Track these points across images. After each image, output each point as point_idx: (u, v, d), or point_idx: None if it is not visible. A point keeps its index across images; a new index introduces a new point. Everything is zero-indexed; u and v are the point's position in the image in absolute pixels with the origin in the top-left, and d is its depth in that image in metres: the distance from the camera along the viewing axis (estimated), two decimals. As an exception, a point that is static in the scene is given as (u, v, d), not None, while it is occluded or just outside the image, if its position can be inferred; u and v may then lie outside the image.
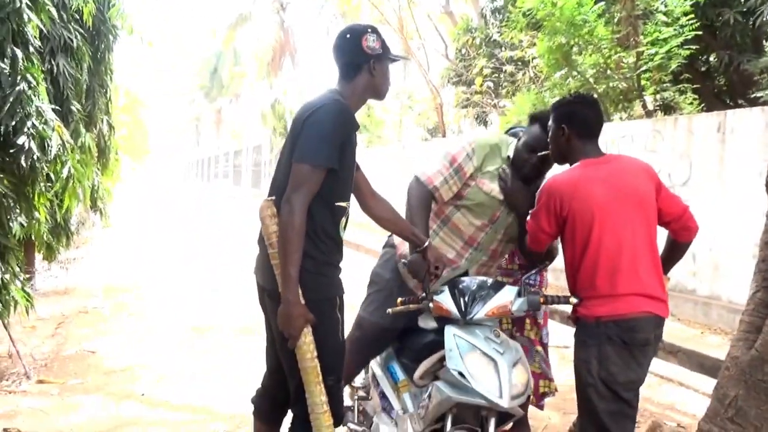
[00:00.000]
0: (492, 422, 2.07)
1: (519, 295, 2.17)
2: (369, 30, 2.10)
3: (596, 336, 2.06)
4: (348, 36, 2.09)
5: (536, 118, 2.54)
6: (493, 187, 2.52)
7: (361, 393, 2.77)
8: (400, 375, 2.51)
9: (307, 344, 1.97)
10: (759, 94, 7.74)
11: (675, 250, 2.31)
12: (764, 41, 9.52)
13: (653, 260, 2.14)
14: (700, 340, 5.42)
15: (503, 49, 10.45)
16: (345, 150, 2.02)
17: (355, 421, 2.71)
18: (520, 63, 9.92)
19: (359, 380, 2.82)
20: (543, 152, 2.43)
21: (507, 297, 2.16)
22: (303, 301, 1.96)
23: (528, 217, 2.30)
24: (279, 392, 2.28)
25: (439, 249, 2.50)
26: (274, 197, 2.06)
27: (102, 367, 4.34)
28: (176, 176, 53.72)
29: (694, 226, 2.25)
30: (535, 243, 2.31)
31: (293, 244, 1.90)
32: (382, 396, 2.59)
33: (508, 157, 2.56)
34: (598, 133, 2.29)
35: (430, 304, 2.22)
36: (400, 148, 13.58)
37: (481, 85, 10.50)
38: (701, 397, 4.14)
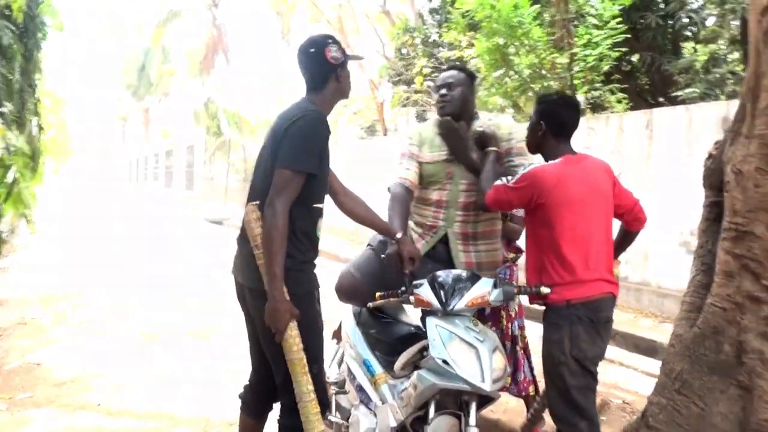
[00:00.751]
0: (473, 406, 2.19)
1: (495, 286, 2.30)
2: (329, 41, 2.26)
3: (567, 317, 2.24)
4: (312, 50, 2.23)
5: (449, 68, 2.90)
6: (433, 154, 2.81)
7: (335, 387, 2.84)
8: (377, 368, 2.60)
9: (293, 337, 2.09)
10: (679, 93, 8.30)
11: (626, 239, 2.58)
12: (682, 43, 10.22)
13: (610, 248, 2.39)
14: (634, 324, 5.80)
15: (442, 49, 10.69)
16: (323, 156, 2.17)
17: (333, 414, 2.78)
18: (459, 63, 10.18)
19: (333, 375, 2.89)
20: (447, 83, 2.76)
21: (484, 288, 2.29)
22: (288, 297, 2.08)
23: (500, 183, 2.43)
24: (264, 387, 2.41)
25: (421, 222, 2.81)
26: (257, 202, 2.16)
27: (51, 379, 4.18)
28: (102, 178, 51.39)
29: (644, 217, 2.51)
30: (496, 205, 2.48)
31: (277, 244, 2.03)
32: (359, 389, 2.67)
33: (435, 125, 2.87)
34: (572, 134, 2.47)
35: (411, 298, 2.33)
36: (341, 147, 13.62)
37: (422, 84, 10.70)
38: (641, 376, 4.46)
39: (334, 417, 2.78)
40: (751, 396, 2.31)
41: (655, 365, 4.68)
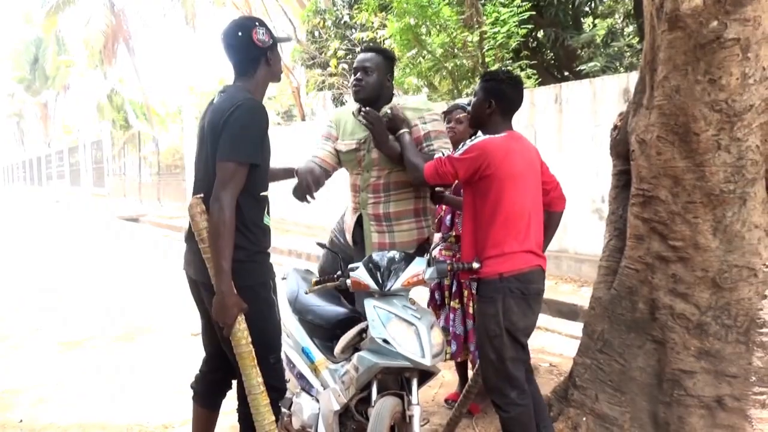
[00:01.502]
0: (414, 383, 2.25)
1: (428, 264, 2.35)
2: (257, 23, 2.18)
3: (500, 290, 2.30)
4: (240, 34, 2.15)
5: (366, 50, 2.89)
6: (345, 142, 2.90)
7: None
8: (316, 354, 2.60)
9: (241, 331, 2.07)
10: (582, 67, 8.68)
11: (552, 220, 2.62)
12: (582, 19, 10.69)
13: (540, 223, 2.47)
14: (556, 289, 6.09)
15: (355, 30, 10.62)
16: (263, 144, 2.14)
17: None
18: (372, 44, 10.17)
19: None
20: (363, 66, 2.75)
21: (418, 267, 2.34)
22: (235, 291, 2.05)
23: (441, 156, 2.43)
24: (216, 376, 2.42)
25: (352, 207, 2.97)
26: (201, 195, 2.13)
27: (-37, 401, 3.88)
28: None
29: (564, 196, 2.63)
30: (435, 178, 2.45)
31: (225, 238, 1.99)
32: (300, 377, 2.66)
33: (353, 112, 2.90)
34: (515, 112, 2.53)
35: (348, 281, 2.35)
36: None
37: (336, 67, 10.61)
38: (565, 339, 4.70)
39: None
40: (664, 349, 2.49)
41: (577, 328, 4.94)
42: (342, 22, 11.05)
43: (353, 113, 2.86)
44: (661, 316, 2.50)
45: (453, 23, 7.99)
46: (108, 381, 4.10)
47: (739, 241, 2.33)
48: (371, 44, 2.72)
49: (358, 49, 10.73)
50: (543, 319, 5.15)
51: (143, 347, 4.83)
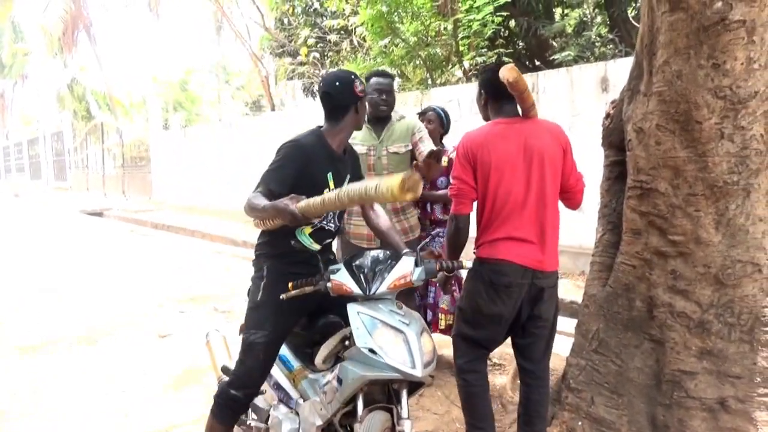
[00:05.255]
0: (404, 395, 2.06)
1: (416, 264, 2.17)
2: (353, 77, 2.33)
3: (476, 272, 2.38)
4: (338, 84, 2.30)
5: (372, 74, 3.49)
6: (358, 147, 3.19)
7: None
8: (294, 363, 2.40)
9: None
10: (555, 57, 8.61)
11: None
12: (554, 8, 10.62)
13: (545, 214, 2.32)
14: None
15: (325, 18, 10.35)
16: (302, 177, 2.23)
17: (250, 417, 2.56)
18: (343, 32, 9.92)
19: (232, 364, 2.67)
20: (386, 89, 3.38)
21: (406, 268, 2.15)
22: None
23: (451, 183, 2.44)
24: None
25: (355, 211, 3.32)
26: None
27: None
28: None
29: (579, 199, 2.49)
30: (461, 203, 2.40)
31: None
32: (277, 387, 2.46)
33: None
34: (511, 97, 2.38)
35: (328, 284, 2.13)
36: (227, 126, 12.97)
37: (307, 56, 10.33)
38: (548, 334, 4.59)
39: (252, 420, 2.56)
40: (663, 348, 2.38)
41: (559, 322, 4.87)
42: (312, 9, 10.75)
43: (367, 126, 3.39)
44: (660, 314, 2.38)
45: (427, 11, 7.81)
46: (69, 388, 3.84)
47: (742, 235, 2.22)
48: (382, 70, 3.50)
49: (328, 37, 10.52)
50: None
51: (107, 350, 4.56)
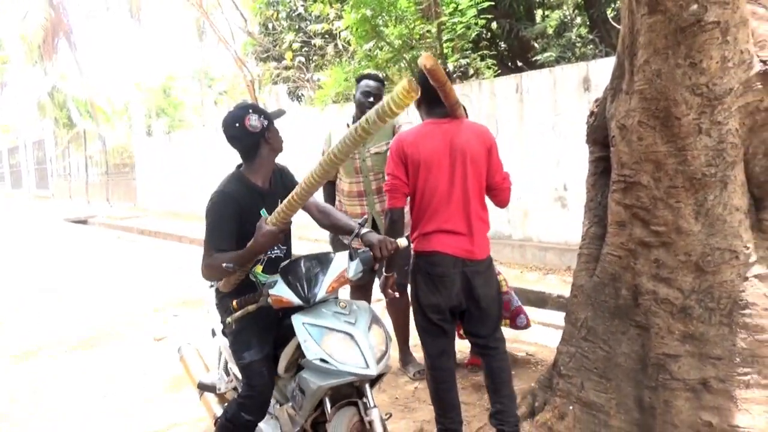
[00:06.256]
0: (367, 387, 2.13)
1: (351, 258, 2.20)
2: (250, 111, 2.32)
3: (415, 266, 2.59)
4: (237, 125, 2.30)
5: (362, 77, 3.57)
6: None
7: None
8: None
9: None
10: (537, 58, 8.77)
11: None
12: (535, 10, 10.79)
13: (470, 208, 2.53)
14: (522, 278, 6.13)
15: (309, 22, 10.43)
16: (241, 224, 2.24)
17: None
18: (328, 36, 10.00)
19: (222, 384, 2.70)
20: (375, 93, 3.46)
21: (341, 265, 2.18)
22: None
23: (386, 179, 2.63)
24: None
25: (351, 212, 3.54)
26: None
27: None
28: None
29: (505, 198, 2.69)
30: (395, 198, 2.57)
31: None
32: None
33: (348, 124, 3.46)
34: (440, 99, 2.56)
35: (269, 299, 2.14)
36: (211, 131, 12.97)
37: (292, 60, 10.39)
38: (537, 326, 4.71)
39: None
40: (648, 334, 2.50)
41: (548, 315, 4.99)
42: (296, 13, 10.82)
43: (347, 125, 3.38)
44: (645, 301, 2.50)
45: (411, 14, 7.92)
46: (68, 390, 3.88)
47: (720, 225, 2.34)
48: (372, 73, 3.56)
49: (313, 41, 10.59)
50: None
51: (104, 355, 4.60)
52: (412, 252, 2.63)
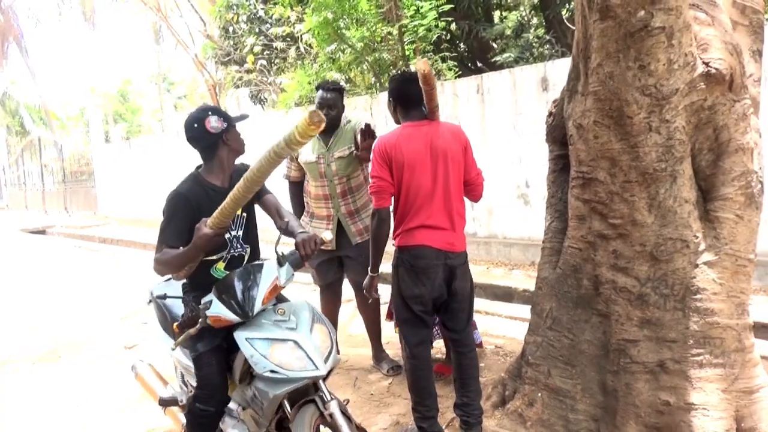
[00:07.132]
0: (321, 383, 2.20)
1: (279, 264, 2.25)
2: (209, 112, 2.39)
3: (398, 260, 2.73)
4: (196, 126, 2.37)
5: (319, 87, 3.64)
6: (308, 157, 3.64)
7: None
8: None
9: None
10: (497, 59, 8.97)
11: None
12: (493, 12, 11.02)
13: (451, 204, 2.70)
14: (488, 274, 6.29)
15: (270, 25, 10.42)
16: (195, 223, 2.24)
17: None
18: (289, 39, 10.01)
19: (183, 395, 2.71)
20: (329, 104, 3.50)
21: (272, 274, 2.23)
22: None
23: (371, 182, 2.74)
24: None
25: (318, 213, 3.71)
26: None
27: None
28: None
29: (479, 193, 2.88)
30: (382, 198, 2.70)
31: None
32: None
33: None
34: (417, 103, 2.76)
35: (208, 321, 2.18)
36: (172, 136, 12.80)
37: (254, 63, 10.36)
38: (504, 320, 4.87)
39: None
40: (609, 321, 2.64)
41: (514, 309, 5.14)
42: (256, 16, 10.80)
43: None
44: (605, 290, 2.65)
45: (372, 17, 8.01)
46: (37, 405, 3.83)
47: (672, 216, 2.50)
48: (330, 82, 3.56)
49: (275, 44, 10.57)
50: (481, 303, 5.31)
51: (73, 366, 4.54)
52: (395, 247, 2.75)
